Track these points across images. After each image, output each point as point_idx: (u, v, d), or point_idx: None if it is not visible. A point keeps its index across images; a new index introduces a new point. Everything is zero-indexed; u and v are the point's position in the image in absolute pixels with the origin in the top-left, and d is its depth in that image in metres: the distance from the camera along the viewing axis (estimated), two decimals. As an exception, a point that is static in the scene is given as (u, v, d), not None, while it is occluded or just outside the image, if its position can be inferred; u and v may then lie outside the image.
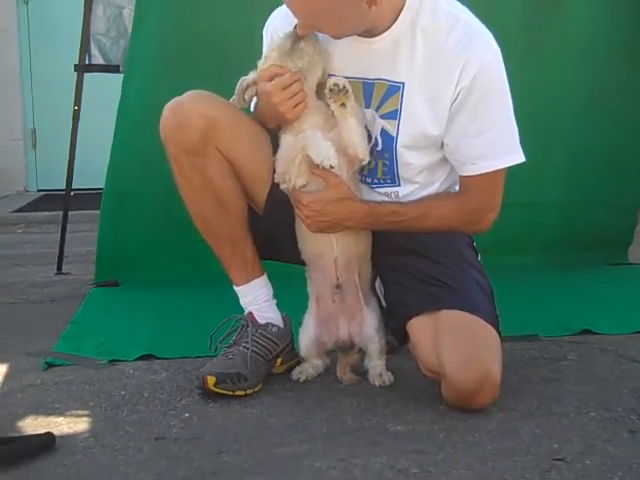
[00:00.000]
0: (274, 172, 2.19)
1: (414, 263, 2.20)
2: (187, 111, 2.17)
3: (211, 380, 2.14)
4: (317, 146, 2.06)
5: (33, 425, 2.01)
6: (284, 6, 2.22)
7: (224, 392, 2.14)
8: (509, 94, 2.14)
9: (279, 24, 2.26)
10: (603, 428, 1.90)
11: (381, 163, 2.20)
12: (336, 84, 2.08)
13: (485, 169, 2.14)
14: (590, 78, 3.57)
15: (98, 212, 3.53)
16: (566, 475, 1.67)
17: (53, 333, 2.77)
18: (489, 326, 2.08)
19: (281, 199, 2.20)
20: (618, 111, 3.61)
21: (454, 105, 2.10)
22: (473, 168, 2.15)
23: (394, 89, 2.14)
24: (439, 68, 2.09)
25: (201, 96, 2.20)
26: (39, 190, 6.78)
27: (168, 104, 2.19)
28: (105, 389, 2.25)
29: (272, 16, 2.32)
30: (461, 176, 2.20)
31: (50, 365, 2.45)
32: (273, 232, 2.30)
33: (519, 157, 2.15)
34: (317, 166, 2.07)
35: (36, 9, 6.76)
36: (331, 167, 2.07)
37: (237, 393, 2.15)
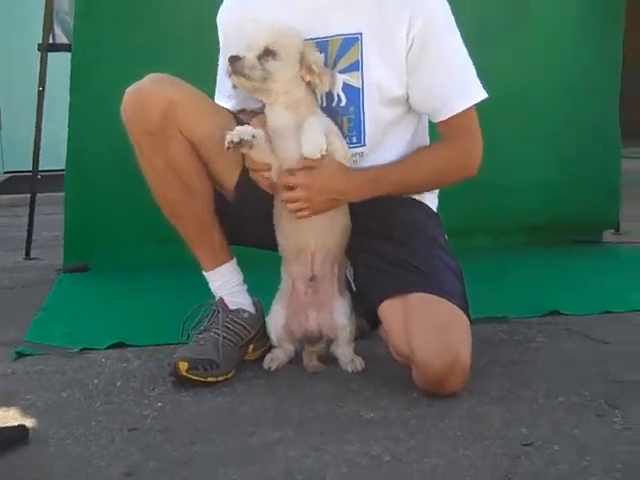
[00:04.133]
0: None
1: (384, 246, 2.21)
2: (147, 93, 2.17)
3: (183, 366, 2.14)
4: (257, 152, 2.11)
5: (5, 417, 2.01)
6: None
7: (196, 378, 2.14)
8: (458, 32, 2.21)
9: (230, 19, 2.32)
10: (571, 413, 1.92)
11: (346, 119, 2.21)
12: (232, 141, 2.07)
13: (458, 109, 2.20)
14: (568, 58, 3.62)
15: (65, 195, 3.50)
16: (536, 461, 1.69)
17: (23, 321, 2.76)
18: (459, 310, 2.10)
19: (252, 184, 2.19)
20: (597, 91, 3.66)
21: (411, 54, 2.16)
22: (447, 111, 2.21)
23: (352, 41, 2.18)
24: (388, 17, 2.15)
25: (161, 78, 2.20)
26: (5, 172, 6.70)
27: (129, 88, 2.19)
28: (77, 378, 2.25)
29: (224, 4, 2.35)
30: (438, 123, 2.25)
31: (20, 355, 2.44)
32: (243, 217, 2.29)
33: (483, 93, 2.23)
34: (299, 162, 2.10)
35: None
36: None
37: (209, 379, 2.15)
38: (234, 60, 2.10)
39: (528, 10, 3.57)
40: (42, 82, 3.73)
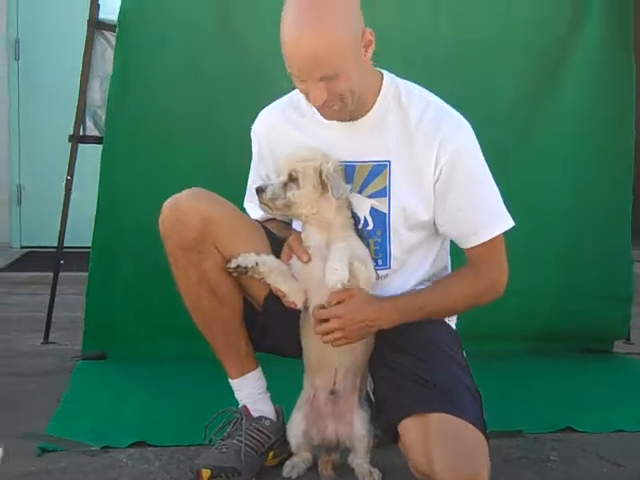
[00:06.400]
0: None
1: (403, 361, 2.26)
2: (184, 208, 2.24)
3: (206, 473, 2.19)
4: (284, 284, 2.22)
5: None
6: (269, 109, 2.39)
7: (218, 486, 2.18)
8: (485, 163, 2.28)
9: (264, 130, 2.39)
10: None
11: (372, 242, 2.28)
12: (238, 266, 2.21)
13: (485, 238, 2.26)
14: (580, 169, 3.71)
15: (85, 274, 3.53)
16: None
17: (44, 411, 2.79)
18: (477, 431, 2.14)
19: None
20: (609, 203, 3.73)
21: (439, 184, 2.24)
22: (474, 239, 2.27)
23: (380, 168, 2.25)
24: (418, 148, 2.23)
25: (198, 193, 2.28)
26: (22, 247, 6.77)
27: (167, 201, 2.26)
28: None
29: (259, 118, 2.43)
30: (465, 250, 2.31)
31: (44, 450, 2.47)
32: (271, 327, 2.37)
33: (511, 221, 2.30)
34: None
35: (27, 66, 6.81)
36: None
37: (230, 488, 2.20)
38: (259, 192, 2.21)
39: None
40: (70, 171, 3.80)
